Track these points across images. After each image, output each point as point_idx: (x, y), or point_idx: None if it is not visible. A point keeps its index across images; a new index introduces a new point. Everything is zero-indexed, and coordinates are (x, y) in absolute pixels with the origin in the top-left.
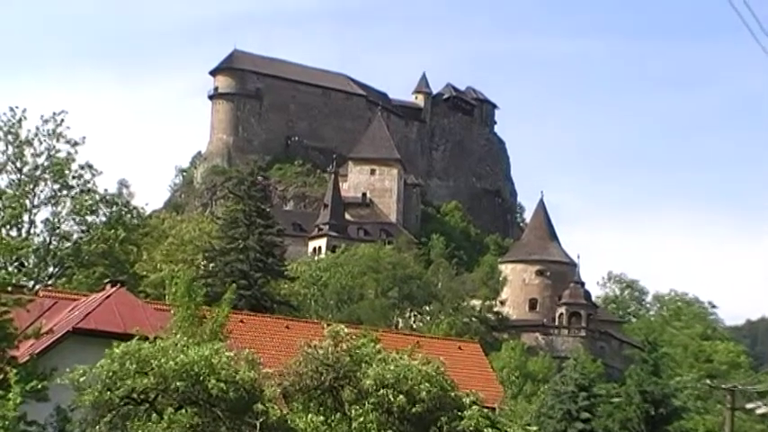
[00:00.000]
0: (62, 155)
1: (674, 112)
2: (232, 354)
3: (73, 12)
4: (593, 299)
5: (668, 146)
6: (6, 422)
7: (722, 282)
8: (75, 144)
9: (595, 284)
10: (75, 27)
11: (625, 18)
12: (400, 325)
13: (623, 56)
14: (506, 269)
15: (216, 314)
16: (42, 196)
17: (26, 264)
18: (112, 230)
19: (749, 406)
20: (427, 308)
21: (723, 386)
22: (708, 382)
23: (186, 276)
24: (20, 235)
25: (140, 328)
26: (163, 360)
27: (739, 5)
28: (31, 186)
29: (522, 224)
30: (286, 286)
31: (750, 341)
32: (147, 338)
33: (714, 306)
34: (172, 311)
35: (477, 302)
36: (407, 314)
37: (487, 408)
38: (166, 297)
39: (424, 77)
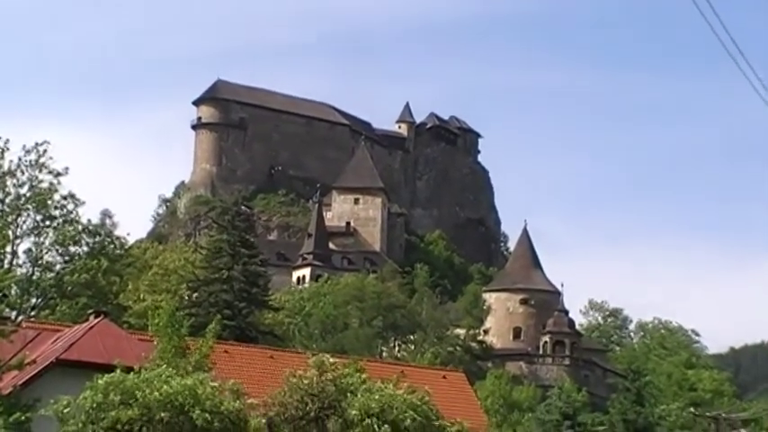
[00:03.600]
0: (45, 185)
1: (659, 144)
2: (216, 384)
3: (56, 43)
4: (577, 327)
5: (651, 175)
6: None
7: (705, 310)
8: (58, 174)
9: (578, 312)
10: (59, 58)
11: (611, 50)
12: (384, 354)
13: (608, 87)
14: (490, 298)
15: (200, 345)
16: (25, 227)
17: (8, 295)
18: (96, 261)
19: None
20: (411, 337)
21: (707, 414)
22: (692, 410)
23: (169, 307)
24: (2, 266)
25: (123, 359)
26: (147, 391)
27: (727, 42)
28: (14, 217)
29: (506, 253)
30: (270, 316)
31: (734, 369)
32: (130, 369)
33: (697, 334)
34: (155, 342)
35: (461, 331)
36: (392, 343)
37: None
38: (149, 328)
39: (407, 107)
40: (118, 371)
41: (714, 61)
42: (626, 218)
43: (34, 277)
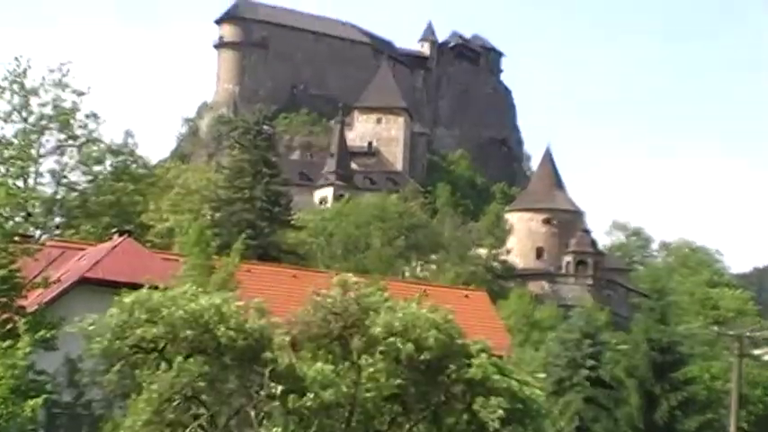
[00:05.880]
0: (67, 104)
1: (686, 58)
2: (241, 303)
3: None
4: (600, 247)
5: (676, 93)
6: (16, 371)
7: (729, 229)
8: (81, 94)
9: (601, 233)
10: None
11: None
12: (407, 274)
13: (634, 2)
14: (513, 218)
15: (226, 264)
16: (48, 146)
17: (33, 214)
18: (120, 182)
19: (756, 352)
20: (433, 257)
21: (730, 333)
22: (715, 329)
23: (197, 225)
24: (26, 185)
25: (150, 276)
26: (173, 308)
27: None
28: (38, 136)
29: (528, 173)
30: (293, 236)
31: (757, 288)
32: (156, 287)
33: (721, 254)
34: (182, 260)
35: (483, 251)
36: (414, 263)
37: (495, 356)
38: (176, 246)
39: (429, 25)
40: (144, 289)
41: None
42: (649, 138)
43: (58, 196)
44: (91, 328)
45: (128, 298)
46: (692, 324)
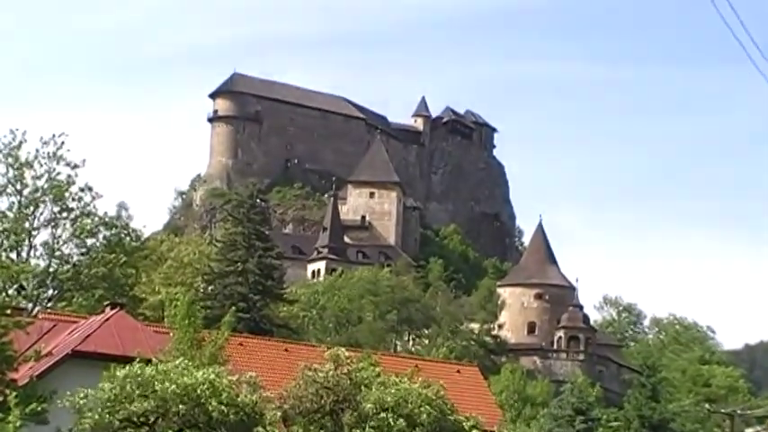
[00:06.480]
0: (62, 177)
1: (676, 139)
2: (234, 377)
3: (73, 36)
4: (592, 322)
5: (668, 171)
6: None
7: (720, 306)
8: (75, 167)
9: (591, 307)
10: (75, 50)
11: (628, 44)
12: (399, 348)
13: (624, 82)
14: (505, 293)
15: (216, 337)
16: (42, 219)
17: (26, 287)
18: (113, 255)
19: (748, 431)
20: (426, 331)
21: (722, 411)
22: (707, 406)
23: (186, 299)
24: (19, 257)
25: (140, 350)
26: (165, 383)
27: (742, 36)
28: (31, 209)
29: (520, 247)
30: (285, 309)
31: (748, 366)
32: (148, 361)
33: (713, 331)
34: (171, 334)
35: (475, 326)
36: (406, 337)
37: (487, 431)
38: (165, 320)
39: (423, 101)
40: (137, 362)
41: (733, 57)
42: (641, 213)
43: (51, 269)
44: (82, 401)
45: (120, 372)
46: (684, 401)
